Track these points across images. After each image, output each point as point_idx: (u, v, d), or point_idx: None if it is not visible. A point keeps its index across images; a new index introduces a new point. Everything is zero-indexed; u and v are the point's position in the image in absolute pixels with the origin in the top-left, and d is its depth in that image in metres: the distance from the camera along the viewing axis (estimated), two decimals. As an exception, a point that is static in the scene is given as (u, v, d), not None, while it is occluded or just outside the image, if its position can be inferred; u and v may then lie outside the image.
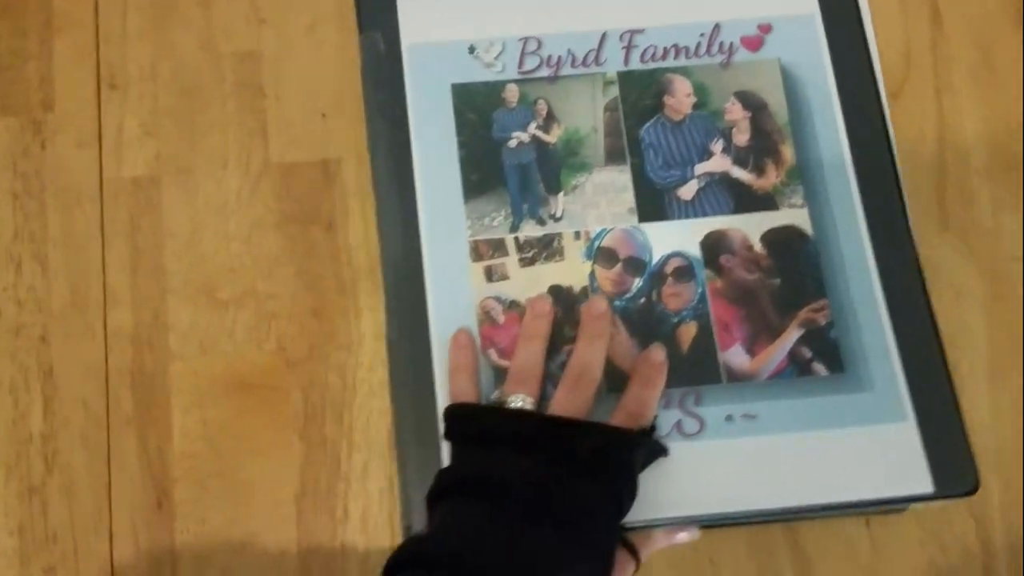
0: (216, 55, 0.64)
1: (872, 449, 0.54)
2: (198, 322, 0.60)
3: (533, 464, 0.48)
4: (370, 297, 0.60)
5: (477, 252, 0.58)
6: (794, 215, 0.59)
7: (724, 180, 0.60)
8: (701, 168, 0.60)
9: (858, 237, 0.58)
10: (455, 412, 0.52)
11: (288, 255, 0.61)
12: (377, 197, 0.59)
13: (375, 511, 0.57)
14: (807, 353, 0.56)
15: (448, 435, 0.52)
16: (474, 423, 0.52)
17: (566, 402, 0.52)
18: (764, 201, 0.59)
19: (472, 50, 0.61)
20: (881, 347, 0.56)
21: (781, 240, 0.58)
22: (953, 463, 0.54)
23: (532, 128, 0.60)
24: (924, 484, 0.53)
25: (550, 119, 0.60)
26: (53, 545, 0.57)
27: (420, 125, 0.60)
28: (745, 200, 0.59)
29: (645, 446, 0.51)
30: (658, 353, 0.55)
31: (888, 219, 0.59)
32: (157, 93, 0.64)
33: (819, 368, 0.56)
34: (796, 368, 0.56)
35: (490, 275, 0.58)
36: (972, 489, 0.53)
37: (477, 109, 0.60)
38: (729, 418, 0.55)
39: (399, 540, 0.57)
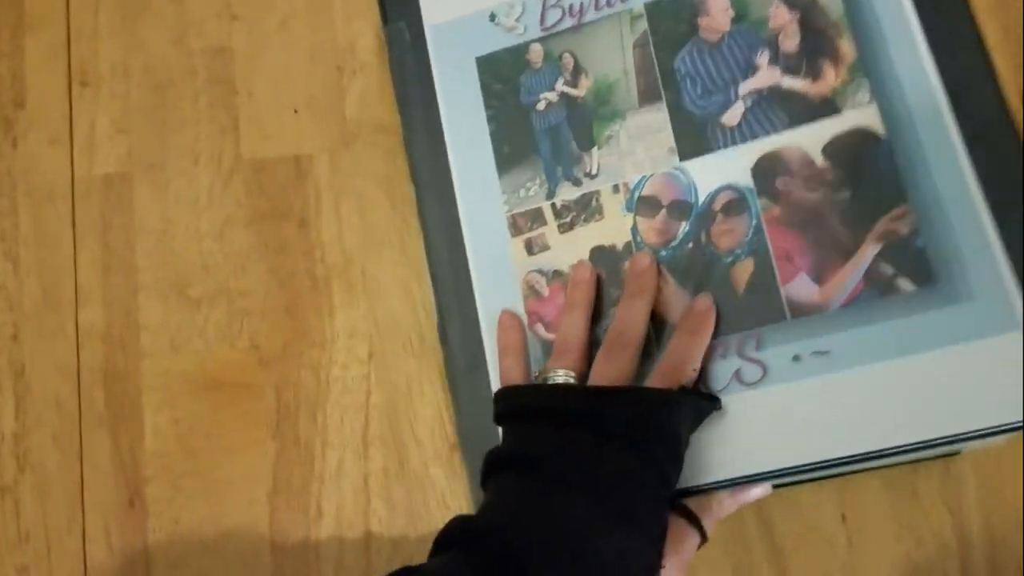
0: (187, 51, 0.64)
1: (978, 369, 0.47)
2: (170, 320, 0.60)
3: (569, 436, 0.47)
4: (344, 294, 0.60)
5: (516, 226, 0.57)
6: (861, 115, 0.53)
7: (774, 94, 0.55)
8: (746, 87, 0.55)
9: (941, 126, 0.51)
10: (501, 394, 0.52)
11: (260, 252, 0.61)
12: (415, 186, 0.59)
13: (349, 509, 0.57)
14: (888, 270, 0.50)
15: (496, 418, 0.52)
16: (516, 402, 0.51)
17: (603, 370, 0.50)
18: (823, 107, 0.54)
19: (493, 17, 0.60)
20: (982, 248, 0.49)
21: (847, 146, 0.52)
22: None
23: (559, 86, 0.58)
24: (1049, 405, 0.46)
25: (577, 72, 0.58)
26: (26, 544, 0.57)
27: (449, 106, 0.59)
28: (800, 111, 0.54)
29: (687, 404, 0.49)
30: (703, 301, 0.52)
31: (978, 98, 0.51)
32: (128, 90, 0.63)
33: (904, 284, 0.50)
34: (876, 290, 0.50)
35: (531, 248, 0.56)
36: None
37: (503, 78, 0.59)
38: (796, 358, 0.50)
39: (373, 538, 0.56)
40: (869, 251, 0.51)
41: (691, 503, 0.50)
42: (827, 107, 0.54)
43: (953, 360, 0.48)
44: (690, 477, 0.49)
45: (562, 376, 0.51)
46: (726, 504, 0.51)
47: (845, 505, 0.56)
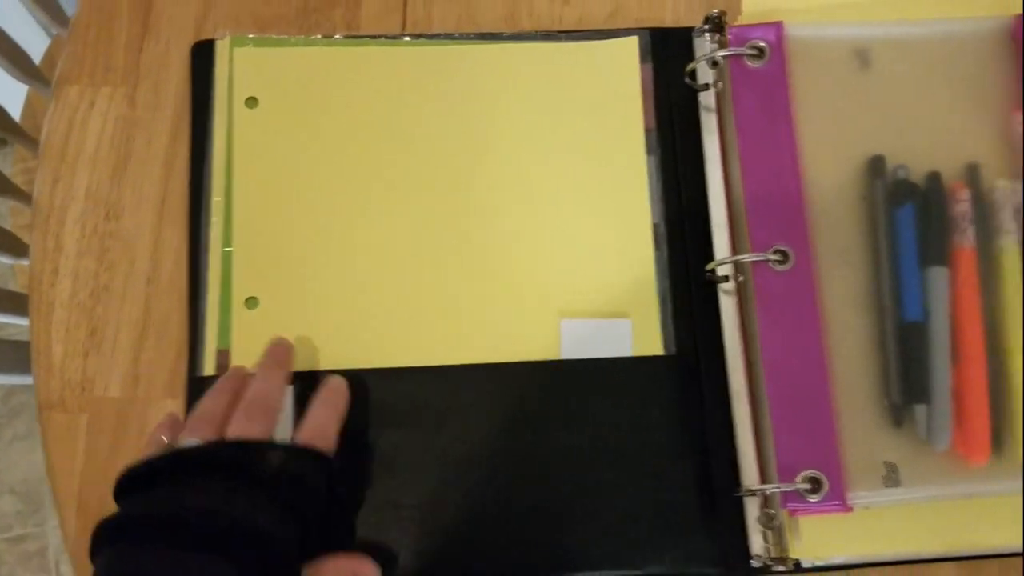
0: None
1: None
2: None
3: (200, 491, 0.45)
4: None
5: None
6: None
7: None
8: None
9: None
10: (125, 470, 0.46)
11: None
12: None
13: None
14: None
15: (116, 494, 0.46)
16: (142, 468, 0.46)
17: (245, 430, 0.48)
18: None
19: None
20: None
21: None
22: None
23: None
24: None
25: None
26: None
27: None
28: None
29: (328, 464, 0.48)
30: (337, 378, 0.53)
31: None
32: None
33: None
34: None
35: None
36: None
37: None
38: None
39: None
40: None
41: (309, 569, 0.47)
42: None
43: None
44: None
45: (195, 442, 0.48)
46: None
47: None
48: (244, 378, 0.53)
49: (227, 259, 0.57)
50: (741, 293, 0.56)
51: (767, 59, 0.57)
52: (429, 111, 0.60)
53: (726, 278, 0.56)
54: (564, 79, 0.61)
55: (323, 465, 0.48)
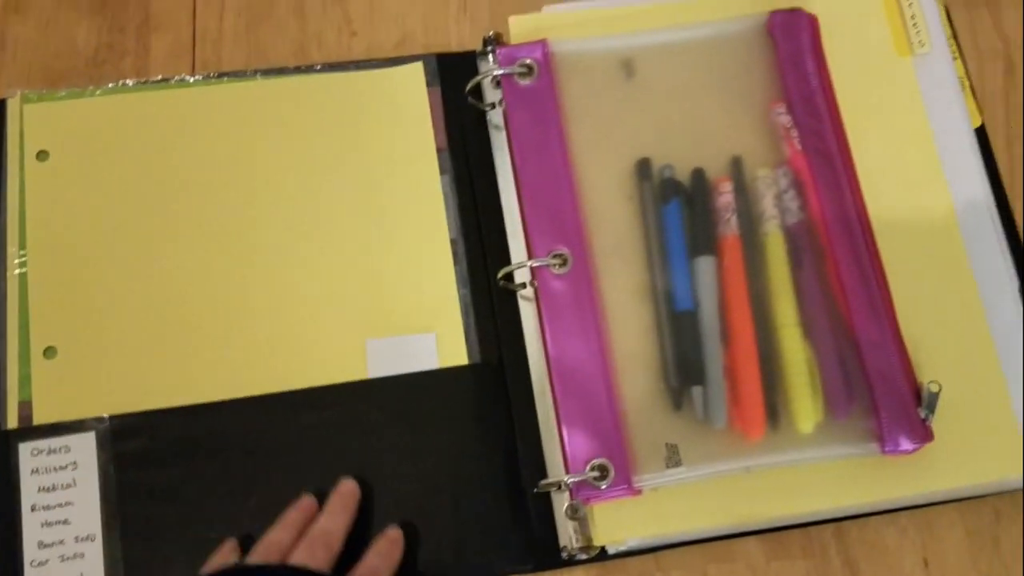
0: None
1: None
2: None
3: None
4: None
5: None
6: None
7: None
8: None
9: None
10: None
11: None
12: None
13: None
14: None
15: None
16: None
17: (304, 561, 0.51)
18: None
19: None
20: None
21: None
22: None
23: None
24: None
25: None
26: None
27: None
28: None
29: None
30: (395, 531, 0.55)
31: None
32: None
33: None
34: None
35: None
36: None
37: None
38: None
39: None
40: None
41: None
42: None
43: None
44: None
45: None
46: None
47: (928, 551, 0.57)
48: (311, 509, 0.55)
49: (24, 310, 0.58)
50: (537, 298, 0.59)
51: (536, 76, 0.61)
52: (221, 149, 0.62)
53: (524, 285, 0.59)
54: (355, 107, 0.64)
55: None
